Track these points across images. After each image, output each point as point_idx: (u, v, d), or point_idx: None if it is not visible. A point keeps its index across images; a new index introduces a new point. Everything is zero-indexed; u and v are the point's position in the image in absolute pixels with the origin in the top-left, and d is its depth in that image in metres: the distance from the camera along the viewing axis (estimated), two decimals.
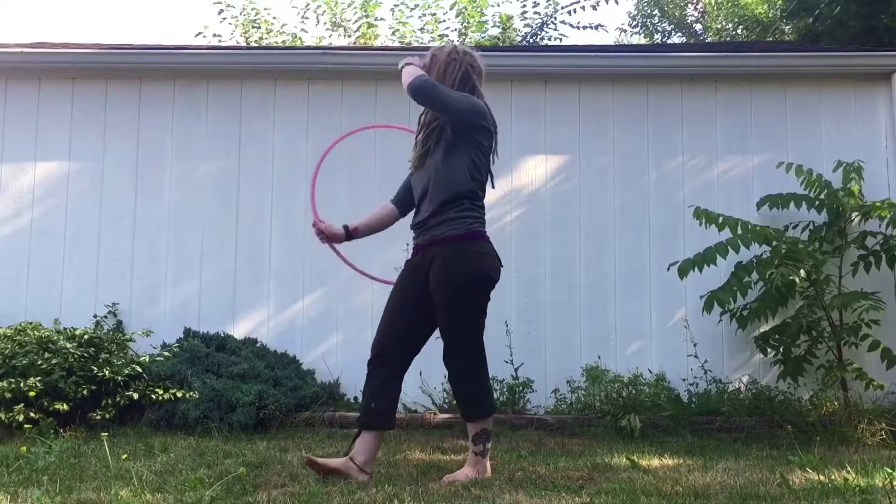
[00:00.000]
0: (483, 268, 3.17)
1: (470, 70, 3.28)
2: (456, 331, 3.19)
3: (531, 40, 13.49)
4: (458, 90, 3.23)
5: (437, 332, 3.33)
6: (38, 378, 4.39)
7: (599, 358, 5.27)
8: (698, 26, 17.91)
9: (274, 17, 13.14)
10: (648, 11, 18.37)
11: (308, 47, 10.82)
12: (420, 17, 13.35)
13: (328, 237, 3.47)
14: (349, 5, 13.29)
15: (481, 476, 3.15)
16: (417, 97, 3.15)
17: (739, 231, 4.77)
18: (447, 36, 13.29)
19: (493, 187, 3.37)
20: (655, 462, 3.68)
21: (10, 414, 4.30)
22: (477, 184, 3.23)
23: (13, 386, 4.35)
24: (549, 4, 13.39)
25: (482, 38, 13.21)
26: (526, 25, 13.64)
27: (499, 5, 18.17)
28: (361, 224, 3.51)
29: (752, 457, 3.88)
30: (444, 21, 13.32)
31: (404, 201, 3.50)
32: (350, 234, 3.48)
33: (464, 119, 3.17)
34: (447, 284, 3.15)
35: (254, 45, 12.51)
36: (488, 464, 3.25)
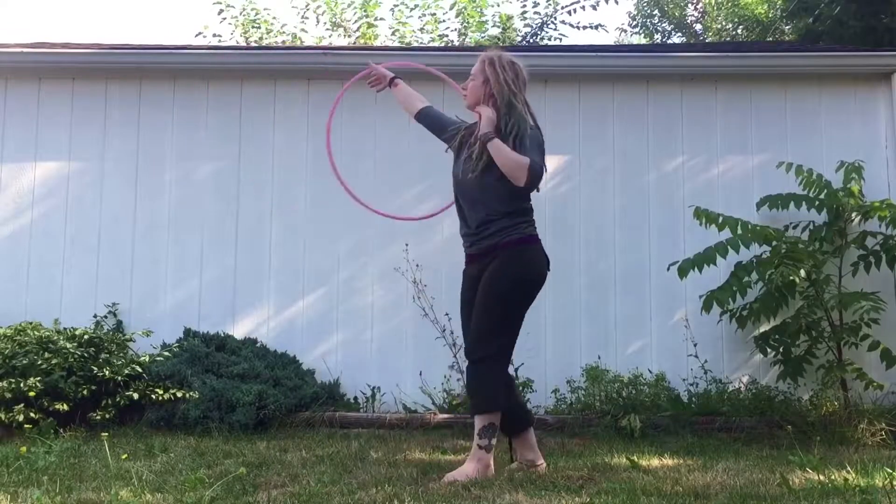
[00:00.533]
0: (534, 271, 3.29)
1: (523, 86, 3.37)
2: (487, 323, 3.23)
3: (531, 40, 13.49)
4: (523, 104, 3.31)
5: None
6: (38, 378, 4.39)
7: (599, 358, 5.27)
8: (698, 26, 17.93)
9: (274, 17, 13.16)
10: (648, 11, 18.39)
11: (308, 47, 10.82)
12: (420, 17, 13.36)
13: (379, 78, 3.70)
14: (349, 5, 13.30)
15: (482, 475, 3.13)
16: (533, 185, 3.24)
17: (739, 231, 4.76)
18: (447, 36, 13.29)
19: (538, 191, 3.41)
20: (655, 462, 3.68)
21: (10, 414, 4.30)
22: (527, 195, 3.32)
23: (13, 386, 4.35)
24: (549, 4, 13.40)
25: (482, 38, 13.21)
26: (526, 25, 13.65)
27: (499, 5, 18.18)
28: (404, 90, 3.67)
29: (752, 457, 3.88)
30: (444, 21, 13.34)
31: (431, 118, 3.58)
32: (392, 83, 3.67)
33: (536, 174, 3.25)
34: (497, 282, 3.22)
35: (254, 45, 12.51)
36: (492, 461, 3.23)
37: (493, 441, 3.22)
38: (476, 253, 3.34)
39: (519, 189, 3.22)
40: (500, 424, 3.28)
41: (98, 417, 4.47)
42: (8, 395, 4.33)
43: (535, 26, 13.56)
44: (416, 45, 12.86)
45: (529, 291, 3.29)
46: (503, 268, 3.24)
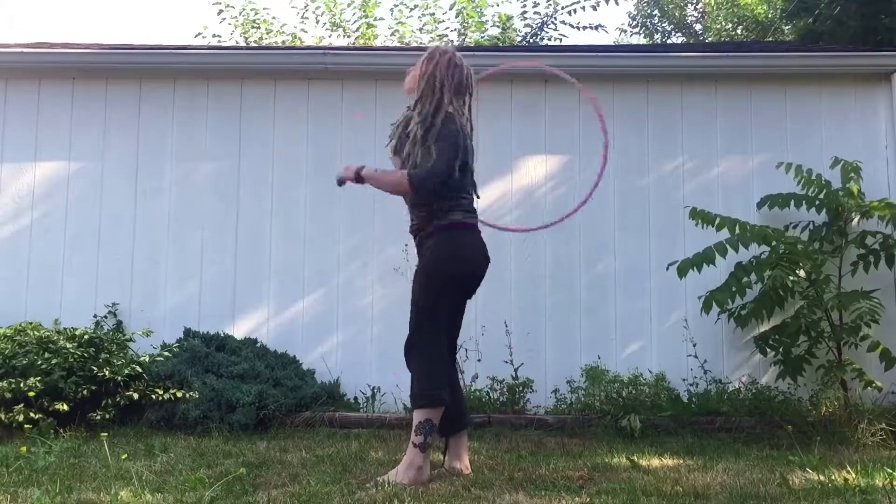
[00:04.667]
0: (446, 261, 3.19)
1: (455, 87, 3.24)
2: (414, 309, 3.21)
3: (531, 40, 13.49)
4: (439, 103, 3.16)
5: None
6: (38, 378, 4.39)
7: (599, 358, 5.27)
8: (698, 26, 17.94)
9: (274, 17, 13.15)
10: (648, 11, 18.40)
11: (308, 47, 10.82)
12: (419, 17, 13.36)
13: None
14: (349, 5, 13.31)
15: (414, 481, 2.97)
16: (426, 190, 3.12)
17: (738, 231, 4.76)
18: (446, 36, 13.29)
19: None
20: (655, 462, 3.68)
21: (10, 414, 4.30)
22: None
23: (13, 386, 4.35)
24: (549, 4, 13.40)
25: (482, 38, 13.21)
26: (526, 25, 13.64)
27: (498, 5, 18.14)
28: (374, 175, 3.35)
29: (752, 457, 3.88)
30: (444, 21, 13.36)
31: None
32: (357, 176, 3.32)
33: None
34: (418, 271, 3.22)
35: (254, 45, 12.51)
36: (426, 463, 3.06)
37: (429, 440, 3.05)
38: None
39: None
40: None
41: (98, 417, 4.47)
42: (8, 395, 4.33)
43: (535, 26, 13.56)
44: (415, 45, 12.86)
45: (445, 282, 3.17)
46: (423, 257, 3.20)
